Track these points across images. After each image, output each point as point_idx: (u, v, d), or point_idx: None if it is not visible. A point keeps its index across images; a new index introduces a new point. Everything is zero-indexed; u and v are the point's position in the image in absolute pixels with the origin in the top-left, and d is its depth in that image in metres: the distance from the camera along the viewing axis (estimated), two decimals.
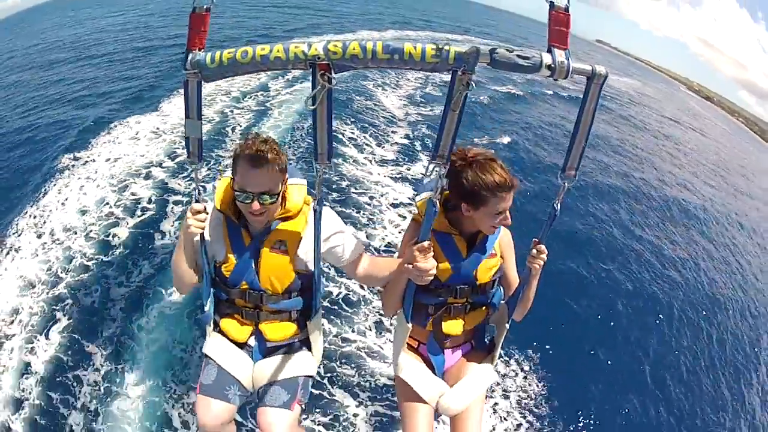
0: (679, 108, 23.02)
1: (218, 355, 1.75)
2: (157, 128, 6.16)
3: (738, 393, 3.90)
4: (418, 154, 6.53)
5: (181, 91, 1.46)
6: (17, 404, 2.50)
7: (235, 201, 1.60)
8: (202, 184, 1.59)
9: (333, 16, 21.17)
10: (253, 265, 1.65)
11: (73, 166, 4.98)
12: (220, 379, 1.71)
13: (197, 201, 1.57)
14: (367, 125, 7.29)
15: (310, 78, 1.33)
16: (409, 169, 5.94)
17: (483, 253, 1.68)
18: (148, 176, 4.84)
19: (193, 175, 1.57)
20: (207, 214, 1.59)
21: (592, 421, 3.09)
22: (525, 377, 3.24)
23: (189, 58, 1.36)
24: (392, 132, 7.29)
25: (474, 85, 1.28)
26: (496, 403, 2.99)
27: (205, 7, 1.36)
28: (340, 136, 6.52)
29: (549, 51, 1.27)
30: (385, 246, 4.28)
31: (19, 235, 3.81)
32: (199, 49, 1.37)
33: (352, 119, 7.35)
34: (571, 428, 3.01)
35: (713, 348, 4.36)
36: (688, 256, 6.04)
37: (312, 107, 1.34)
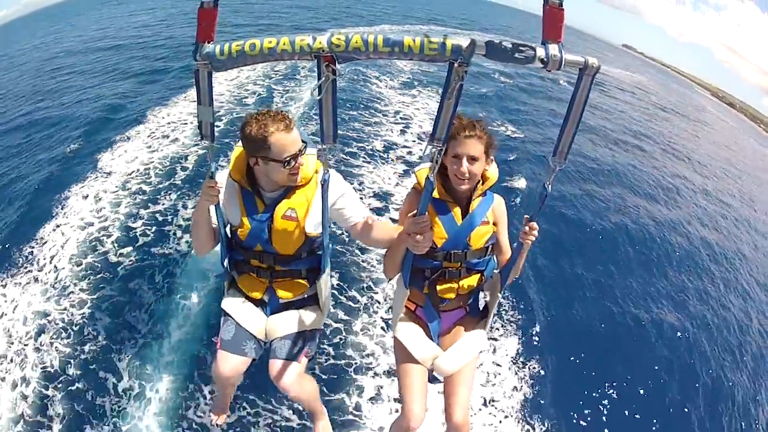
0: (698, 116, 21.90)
1: (235, 312, 1.95)
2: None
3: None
4: (415, 137, 6.77)
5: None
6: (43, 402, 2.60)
7: (248, 172, 1.79)
8: (216, 161, 1.74)
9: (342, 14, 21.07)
10: (267, 230, 1.81)
11: (94, 169, 5.10)
12: (237, 334, 1.89)
13: (212, 176, 1.71)
14: (369, 111, 7.55)
15: (316, 69, 1.41)
16: (409, 153, 6.20)
17: (476, 219, 1.79)
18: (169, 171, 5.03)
19: (208, 153, 1.70)
20: (221, 185, 1.76)
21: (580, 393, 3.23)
22: (518, 346, 3.41)
23: (199, 50, 1.44)
24: (391, 116, 7.54)
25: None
26: (485, 367, 3.16)
27: (212, 1, 1.42)
28: (345, 122, 6.81)
29: (543, 44, 1.33)
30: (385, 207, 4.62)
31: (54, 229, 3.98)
32: (209, 42, 1.44)
33: (356, 106, 7.64)
34: (560, 394, 3.16)
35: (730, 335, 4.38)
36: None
37: (318, 97, 1.42)
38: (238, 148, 1.83)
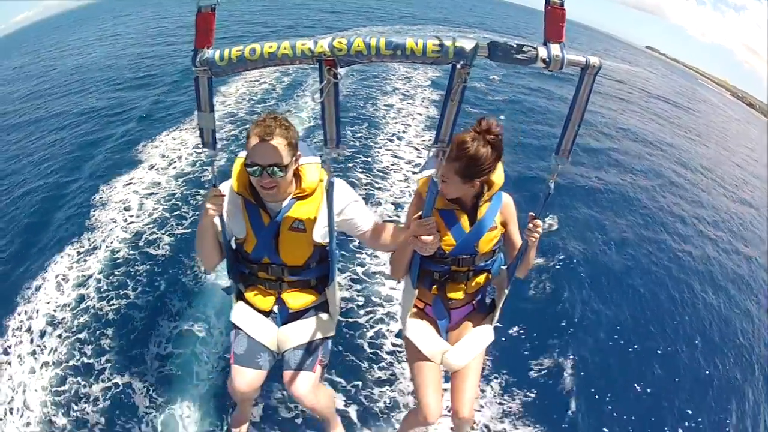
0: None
1: (246, 324, 1.90)
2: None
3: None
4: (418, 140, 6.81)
5: None
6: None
7: (251, 183, 1.71)
8: (218, 170, 1.70)
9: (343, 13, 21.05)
10: (273, 243, 1.77)
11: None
12: (250, 348, 1.86)
13: (215, 186, 1.67)
14: (372, 113, 7.62)
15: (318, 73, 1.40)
16: (415, 154, 6.26)
17: (485, 226, 1.80)
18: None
19: (211, 162, 1.66)
20: (224, 196, 1.70)
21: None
22: (521, 342, 3.45)
23: (198, 56, 1.42)
24: (394, 118, 7.59)
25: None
26: (494, 362, 3.19)
27: (210, 6, 1.40)
28: (348, 124, 6.88)
29: (545, 44, 1.34)
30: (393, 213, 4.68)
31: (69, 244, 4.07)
32: (208, 47, 1.42)
33: (358, 108, 7.71)
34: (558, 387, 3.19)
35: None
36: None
37: (319, 100, 1.41)
38: (239, 159, 1.78)
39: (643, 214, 6.33)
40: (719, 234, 6.53)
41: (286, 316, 1.94)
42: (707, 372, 3.74)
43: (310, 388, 1.83)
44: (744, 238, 6.73)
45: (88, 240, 4.15)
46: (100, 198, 4.87)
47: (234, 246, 1.88)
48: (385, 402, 2.81)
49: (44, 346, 3.05)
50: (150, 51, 13.06)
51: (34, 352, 3.00)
